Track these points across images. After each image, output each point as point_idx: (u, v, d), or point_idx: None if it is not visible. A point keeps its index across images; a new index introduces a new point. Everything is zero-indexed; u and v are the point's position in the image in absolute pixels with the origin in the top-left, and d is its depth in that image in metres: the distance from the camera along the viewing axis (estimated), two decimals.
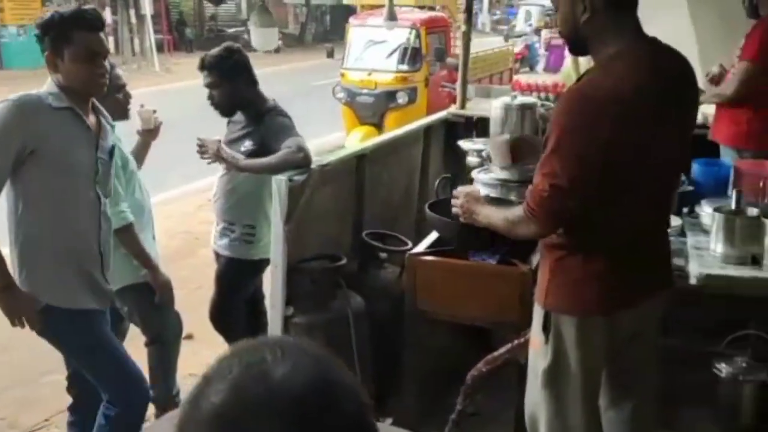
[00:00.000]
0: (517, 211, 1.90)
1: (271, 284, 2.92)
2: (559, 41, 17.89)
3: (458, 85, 4.86)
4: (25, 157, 2.23)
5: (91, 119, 2.40)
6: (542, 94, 4.61)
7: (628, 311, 1.89)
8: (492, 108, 4.21)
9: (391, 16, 6.56)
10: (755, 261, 2.39)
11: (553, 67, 17.29)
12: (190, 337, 3.78)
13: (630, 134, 1.73)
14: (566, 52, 16.99)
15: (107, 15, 17.81)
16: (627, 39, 1.79)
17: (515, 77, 10.47)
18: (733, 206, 2.47)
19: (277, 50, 17.45)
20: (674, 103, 1.82)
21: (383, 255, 3.33)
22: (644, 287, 1.92)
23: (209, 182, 6.81)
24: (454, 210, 2.22)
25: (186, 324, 3.20)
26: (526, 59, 18.84)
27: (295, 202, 2.84)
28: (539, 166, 1.81)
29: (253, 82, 3.19)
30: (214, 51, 3.23)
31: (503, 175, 3.12)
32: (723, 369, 3.08)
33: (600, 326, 1.88)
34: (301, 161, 2.94)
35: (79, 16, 2.31)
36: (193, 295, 4.38)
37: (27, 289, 2.33)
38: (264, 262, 3.31)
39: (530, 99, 4.27)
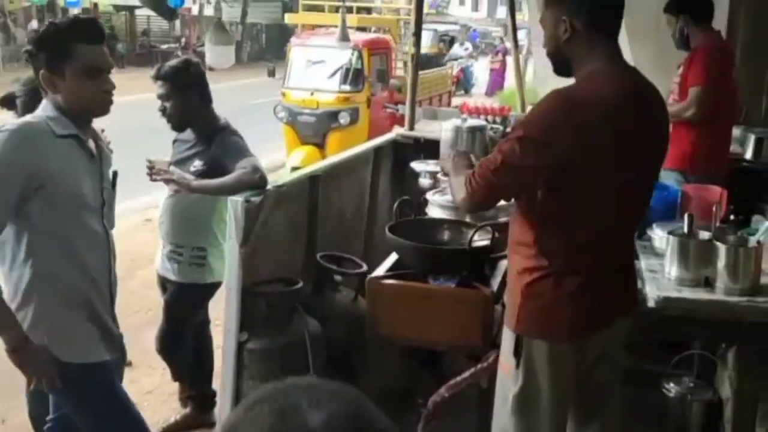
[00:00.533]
0: (461, 177, 1.92)
1: (225, 309, 2.82)
2: (497, 65, 18.44)
3: (407, 106, 4.88)
4: (31, 193, 1.97)
5: (91, 144, 2.17)
6: (490, 117, 4.65)
7: (599, 333, 1.91)
8: (442, 130, 4.26)
9: (344, 37, 6.57)
10: (708, 283, 2.45)
11: (494, 90, 17.74)
12: (129, 364, 3.62)
13: (607, 142, 1.77)
14: (506, 75, 17.50)
15: (34, 26, 17.15)
16: (606, 59, 1.84)
17: (462, 100, 10.62)
18: (686, 230, 2.53)
19: (210, 68, 17.21)
20: (649, 124, 1.87)
21: (338, 278, 3.28)
22: (614, 309, 1.94)
23: (147, 201, 6.64)
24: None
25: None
26: (461, 82, 19.25)
27: (251, 224, 2.77)
28: (498, 144, 1.85)
29: (207, 98, 3.10)
30: (172, 62, 3.14)
31: None
32: (671, 389, 3.16)
33: (571, 349, 1.89)
34: (256, 182, 2.87)
35: (78, 26, 2.07)
36: (133, 320, 4.21)
37: (36, 342, 2.04)
38: (215, 286, 3.21)
39: (480, 122, 4.33)
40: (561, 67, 1.94)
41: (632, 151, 1.84)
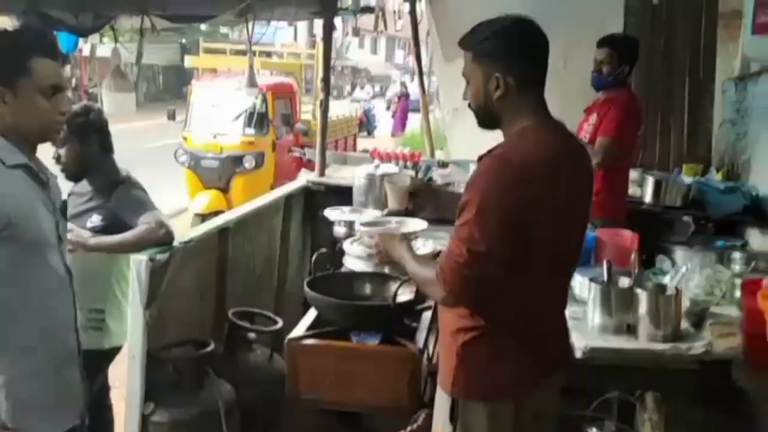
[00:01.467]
0: (428, 273, 1.84)
1: (128, 378, 2.58)
2: (399, 108, 18.81)
3: (317, 152, 4.78)
4: None
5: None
6: (401, 162, 4.62)
7: (536, 391, 1.84)
8: (355, 177, 4.19)
9: (252, 83, 6.43)
10: (630, 330, 2.46)
11: (397, 132, 18.02)
12: None
13: (543, 199, 1.73)
14: (408, 117, 17.83)
15: None
16: (537, 115, 1.81)
17: (366, 142, 10.66)
18: (605, 276, 2.55)
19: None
20: (577, 176, 1.86)
21: (252, 335, 3.09)
22: (551, 364, 1.89)
23: None
24: (369, 251, 2.11)
25: None
26: (364, 125, 19.49)
27: (157, 284, 2.56)
28: (455, 231, 1.75)
29: (106, 148, 2.88)
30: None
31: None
32: None
33: (510, 410, 1.81)
34: (161, 238, 2.66)
35: (36, 39, 1.83)
36: None
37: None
38: (115, 351, 2.94)
39: (393, 168, 4.28)
40: (488, 122, 1.89)
41: (568, 206, 1.82)
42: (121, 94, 6.78)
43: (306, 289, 2.61)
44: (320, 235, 4.70)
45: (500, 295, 1.77)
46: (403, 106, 18.28)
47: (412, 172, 4.38)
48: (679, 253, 3.64)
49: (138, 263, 2.49)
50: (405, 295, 2.51)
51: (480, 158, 1.85)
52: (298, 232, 4.54)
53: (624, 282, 2.54)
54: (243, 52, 12.07)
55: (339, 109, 13.00)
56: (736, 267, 3.22)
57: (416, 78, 5.41)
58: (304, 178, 4.74)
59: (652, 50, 4.89)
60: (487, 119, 1.88)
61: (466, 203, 1.74)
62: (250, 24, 4.17)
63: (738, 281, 2.82)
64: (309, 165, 8.63)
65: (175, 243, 2.72)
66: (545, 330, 1.89)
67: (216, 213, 8.11)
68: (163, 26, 2.98)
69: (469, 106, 1.90)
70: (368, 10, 4.57)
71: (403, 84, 21.10)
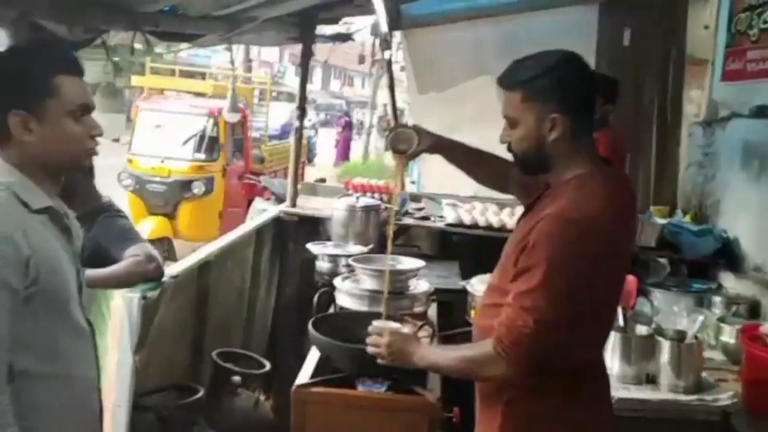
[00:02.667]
0: (484, 349, 1.66)
1: (111, 430, 2.30)
2: (341, 137, 18.74)
3: (288, 180, 4.60)
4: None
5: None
6: (376, 195, 4.49)
7: None
8: (334, 209, 4.03)
9: (234, 108, 6.16)
10: (650, 380, 2.39)
11: (340, 160, 17.92)
12: None
13: (609, 256, 1.62)
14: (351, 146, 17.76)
15: None
16: (591, 161, 1.70)
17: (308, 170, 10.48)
18: (621, 323, 2.48)
19: None
20: (636, 225, 1.78)
21: (236, 379, 2.86)
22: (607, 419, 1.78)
23: None
24: (372, 350, 1.93)
25: None
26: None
27: (147, 325, 2.32)
28: (516, 298, 1.61)
29: (90, 172, 2.62)
30: None
31: (371, 285, 2.89)
32: None
33: None
34: (151, 273, 2.43)
35: (58, 54, 1.57)
36: None
37: None
38: None
39: (373, 201, 4.15)
40: (534, 168, 1.76)
41: (628, 256, 1.75)
42: (112, 115, 6.40)
43: (311, 330, 2.43)
44: (289, 267, 4.51)
45: (560, 355, 1.65)
46: (346, 136, 18.23)
47: (392, 206, 4.26)
48: (658, 295, 3.64)
49: (129, 301, 2.25)
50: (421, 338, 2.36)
51: (522, 216, 1.75)
52: (267, 265, 4.33)
53: (642, 330, 2.47)
54: (190, 74, 11.77)
55: None
56: (717, 311, 3.24)
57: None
58: (276, 208, 4.54)
59: (621, 91, 4.97)
60: (534, 164, 1.74)
61: (527, 269, 1.60)
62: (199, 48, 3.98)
63: (723, 326, 2.81)
64: (263, 192, 8.39)
65: (164, 278, 2.49)
66: (598, 381, 1.79)
67: (160, 240, 7.77)
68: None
69: (509, 149, 1.77)
70: (346, 37, 4.46)
71: (346, 113, 21.07)
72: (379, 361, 1.94)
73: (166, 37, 2.86)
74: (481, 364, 1.68)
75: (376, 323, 2.03)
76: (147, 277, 2.41)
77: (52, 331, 1.52)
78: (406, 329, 2.26)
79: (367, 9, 4.07)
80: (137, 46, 2.72)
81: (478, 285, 3.01)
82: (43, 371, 1.50)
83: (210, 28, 3.05)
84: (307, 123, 21.85)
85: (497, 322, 1.63)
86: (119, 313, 2.28)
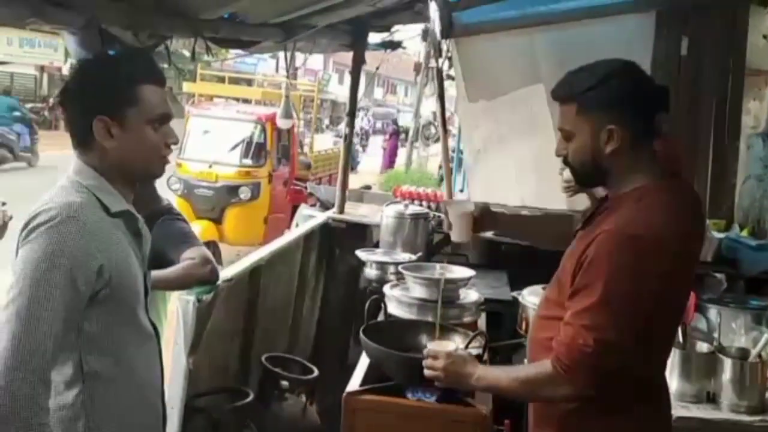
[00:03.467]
0: (543, 369, 1.62)
1: None
2: (388, 145, 18.70)
3: (337, 187, 4.62)
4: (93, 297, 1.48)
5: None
6: (424, 203, 4.47)
7: None
8: (383, 216, 4.02)
9: (287, 114, 6.25)
10: (710, 398, 2.32)
11: (385, 169, 17.93)
12: None
13: (675, 274, 1.57)
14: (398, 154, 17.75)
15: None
16: (652, 172, 1.65)
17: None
18: (680, 339, 2.40)
19: None
20: (703, 239, 1.72)
21: (285, 384, 2.87)
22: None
23: None
24: (429, 373, 1.90)
25: None
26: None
27: (202, 327, 2.34)
28: (575, 317, 1.56)
29: None
30: None
31: (421, 293, 2.87)
32: None
33: None
34: (206, 276, 2.44)
35: (143, 63, 1.60)
36: None
37: None
38: None
39: (422, 209, 4.14)
40: (592, 180, 1.73)
41: (694, 271, 1.69)
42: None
43: (362, 337, 2.41)
44: (335, 274, 4.52)
45: (621, 374, 1.60)
46: (393, 144, 18.22)
47: (441, 215, 4.23)
48: (714, 311, 3.53)
49: (185, 303, 2.28)
50: (474, 348, 2.33)
51: (580, 228, 1.71)
52: (313, 271, 4.35)
53: (703, 347, 2.40)
54: (236, 80, 11.97)
55: (323, 143, 12.87)
56: None
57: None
58: (324, 215, 4.56)
59: (679, 103, 4.85)
60: (592, 177, 1.70)
61: (587, 285, 1.55)
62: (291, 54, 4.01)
63: None
64: (308, 198, 8.46)
65: (219, 282, 2.51)
66: (656, 401, 1.73)
67: (207, 244, 7.87)
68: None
69: (565, 161, 1.74)
70: (396, 45, 4.46)
71: (394, 121, 21.05)
72: (437, 384, 1.92)
73: (225, 44, 2.90)
74: (540, 385, 1.64)
75: (431, 346, 2.00)
76: (203, 280, 2.43)
77: (122, 334, 1.55)
78: (459, 342, 2.23)
79: (421, 17, 4.06)
80: (185, 53, 2.77)
81: (529, 297, 2.97)
82: (112, 374, 1.52)
83: (267, 34, 3.09)
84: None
85: (556, 341, 1.59)
86: (174, 315, 2.30)
